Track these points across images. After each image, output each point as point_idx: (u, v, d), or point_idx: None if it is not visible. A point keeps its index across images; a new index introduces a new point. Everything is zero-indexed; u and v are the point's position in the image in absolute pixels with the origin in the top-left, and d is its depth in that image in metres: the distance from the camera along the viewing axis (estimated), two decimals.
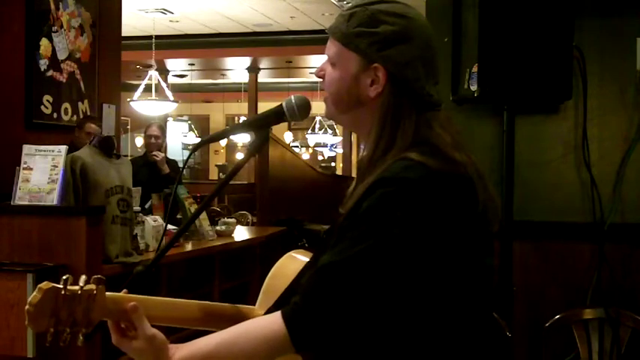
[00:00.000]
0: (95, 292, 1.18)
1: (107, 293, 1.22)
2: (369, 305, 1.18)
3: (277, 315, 1.20)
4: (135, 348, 1.24)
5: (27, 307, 1.14)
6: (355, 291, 1.17)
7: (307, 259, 1.44)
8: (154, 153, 5.65)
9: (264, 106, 8.69)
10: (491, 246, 1.33)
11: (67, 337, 1.17)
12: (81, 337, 1.19)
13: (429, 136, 1.27)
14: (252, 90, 14.17)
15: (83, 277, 1.19)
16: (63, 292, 1.15)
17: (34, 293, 1.15)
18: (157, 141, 5.80)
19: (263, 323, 1.22)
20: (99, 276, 1.20)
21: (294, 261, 1.51)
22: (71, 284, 1.17)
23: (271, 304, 1.35)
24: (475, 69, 2.80)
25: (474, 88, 2.82)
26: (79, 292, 1.17)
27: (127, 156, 8.09)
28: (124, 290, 1.28)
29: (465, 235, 1.23)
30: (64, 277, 1.17)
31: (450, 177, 1.22)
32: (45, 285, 1.15)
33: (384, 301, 1.18)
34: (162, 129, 6.04)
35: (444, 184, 1.21)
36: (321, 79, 1.38)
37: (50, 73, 4.76)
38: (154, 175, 5.57)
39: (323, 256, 1.22)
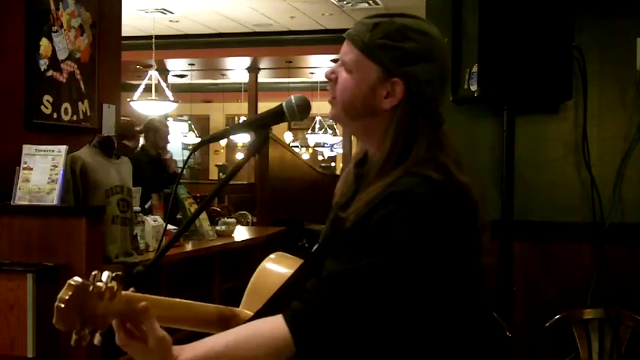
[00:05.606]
0: (116, 290, 1.14)
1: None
2: (373, 315, 1.20)
3: (280, 319, 1.20)
4: (141, 349, 1.20)
5: (56, 303, 1.09)
6: (360, 302, 1.19)
7: (292, 262, 1.46)
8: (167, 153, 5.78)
9: (264, 106, 8.67)
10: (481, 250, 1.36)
11: (87, 336, 1.12)
12: (99, 337, 1.14)
13: (437, 154, 1.29)
14: (252, 90, 14.15)
15: (106, 273, 1.15)
16: (91, 289, 1.11)
17: (64, 289, 1.09)
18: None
19: (267, 327, 1.22)
20: (119, 273, 1.16)
21: (279, 263, 1.53)
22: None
23: (260, 306, 1.35)
24: (475, 69, 2.80)
25: (474, 88, 2.82)
26: (104, 289, 1.12)
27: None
28: (131, 289, 1.25)
29: (467, 250, 1.27)
30: (93, 273, 1.13)
31: (458, 196, 1.26)
32: (74, 281, 1.10)
33: (387, 311, 1.20)
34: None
35: (453, 202, 1.24)
36: (329, 81, 1.37)
37: (50, 73, 4.75)
38: (158, 172, 5.59)
39: (328, 262, 1.24)
